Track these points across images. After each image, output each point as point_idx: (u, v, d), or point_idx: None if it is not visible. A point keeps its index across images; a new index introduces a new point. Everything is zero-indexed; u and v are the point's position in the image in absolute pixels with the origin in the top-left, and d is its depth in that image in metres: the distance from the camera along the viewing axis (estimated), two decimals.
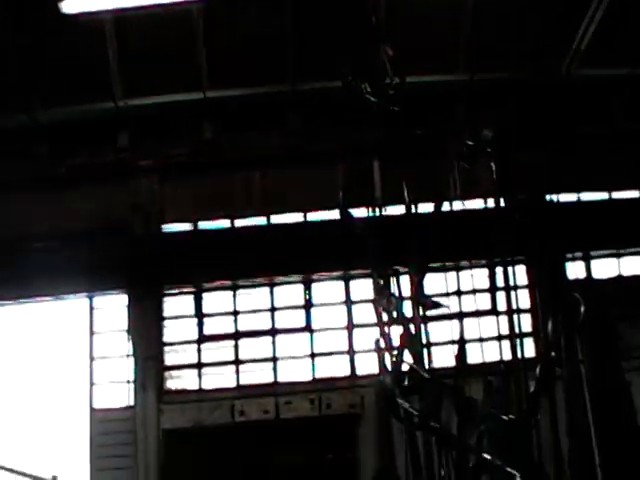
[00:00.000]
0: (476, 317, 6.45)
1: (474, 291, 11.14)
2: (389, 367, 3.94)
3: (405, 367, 3.99)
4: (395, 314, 4.10)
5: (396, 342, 4.13)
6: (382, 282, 4.36)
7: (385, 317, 4.19)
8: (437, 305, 4.44)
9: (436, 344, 5.68)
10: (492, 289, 11.24)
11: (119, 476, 10.63)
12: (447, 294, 8.53)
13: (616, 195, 11.88)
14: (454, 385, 3.83)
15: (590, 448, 4.12)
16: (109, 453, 10.80)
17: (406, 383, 4.01)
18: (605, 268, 11.78)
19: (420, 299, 4.25)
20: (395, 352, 4.00)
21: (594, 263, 11.73)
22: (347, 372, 11.45)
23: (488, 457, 3.55)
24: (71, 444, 11.11)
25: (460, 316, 8.31)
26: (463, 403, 3.70)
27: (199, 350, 11.32)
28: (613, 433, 5.01)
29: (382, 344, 4.21)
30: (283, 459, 10.51)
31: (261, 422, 10.56)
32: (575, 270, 10.98)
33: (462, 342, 3.96)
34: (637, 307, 10.67)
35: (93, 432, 11.03)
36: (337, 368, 11.49)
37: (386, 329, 4.14)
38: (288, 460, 10.50)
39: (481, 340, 7.89)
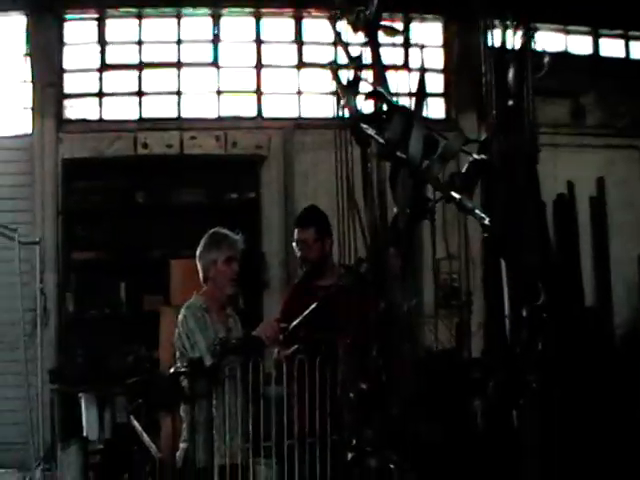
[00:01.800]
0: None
1: None
2: (350, 89, 3.65)
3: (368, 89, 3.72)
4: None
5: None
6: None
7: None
8: (397, 31, 4.11)
9: None
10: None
11: (16, 205, 10.33)
12: None
13: None
14: (420, 111, 3.64)
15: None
16: (5, 183, 10.44)
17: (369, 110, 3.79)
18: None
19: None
20: (356, 72, 3.70)
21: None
22: (254, 113, 11.21)
23: (456, 195, 3.46)
24: None
25: None
26: (432, 135, 3.55)
27: (101, 79, 10.74)
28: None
29: (340, 62, 3.88)
30: (185, 197, 10.38)
31: (164, 157, 10.30)
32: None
33: (422, 75, 3.69)
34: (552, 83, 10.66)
35: None
36: (244, 108, 11.22)
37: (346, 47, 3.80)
38: (190, 198, 10.38)
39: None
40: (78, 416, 8.50)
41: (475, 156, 3.53)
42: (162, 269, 9.67)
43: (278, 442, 4.99)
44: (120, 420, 8.12)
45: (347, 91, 3.64)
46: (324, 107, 11.00)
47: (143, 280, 10.12)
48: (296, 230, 5.93)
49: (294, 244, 5.93)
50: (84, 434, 8.30)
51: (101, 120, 10.76)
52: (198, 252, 5.70)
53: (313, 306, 5.13)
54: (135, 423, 5.93)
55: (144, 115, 10.85)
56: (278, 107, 11.26)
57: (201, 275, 5.70)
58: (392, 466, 3.81)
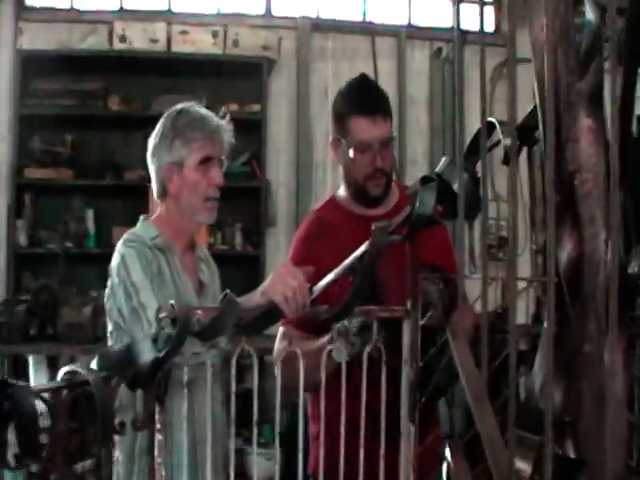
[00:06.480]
0: None
1: None
2: None
3: None
4: None
5: None
6: None
7: None
8: None
9: None
10: None
11: None
12: None
13: None
14: None
15: None
16: None
17: None
18: None
19: None
20: None
21: None
22: (262, 10, 9.18)
23: None
24: None
25: None
26: None
27: None
28: None
29: None
30: (170, 105, 8.29)
31: (147, 53, 8.19)
32: None
33: None
34: None
35: None
36: (250, 4, 9.21)
37: None
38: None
39: None
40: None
41: None
42: (139, 195, 7.58)
43: None
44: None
45: None
46: (349, 8, 9.14)
47: (115, 208, 8.13)
48: (363, 121, 3.38)
49: (350, 151, 3.39)
50: None
51: (72, 9, 8.71)
52: (150, 148, 3.52)
53: (359, 251, 2.50)
54: None
55: (125, 6, 8.82)
56: (292, 4, 9.25)
57: (155, 189, 3.52)
58: None
